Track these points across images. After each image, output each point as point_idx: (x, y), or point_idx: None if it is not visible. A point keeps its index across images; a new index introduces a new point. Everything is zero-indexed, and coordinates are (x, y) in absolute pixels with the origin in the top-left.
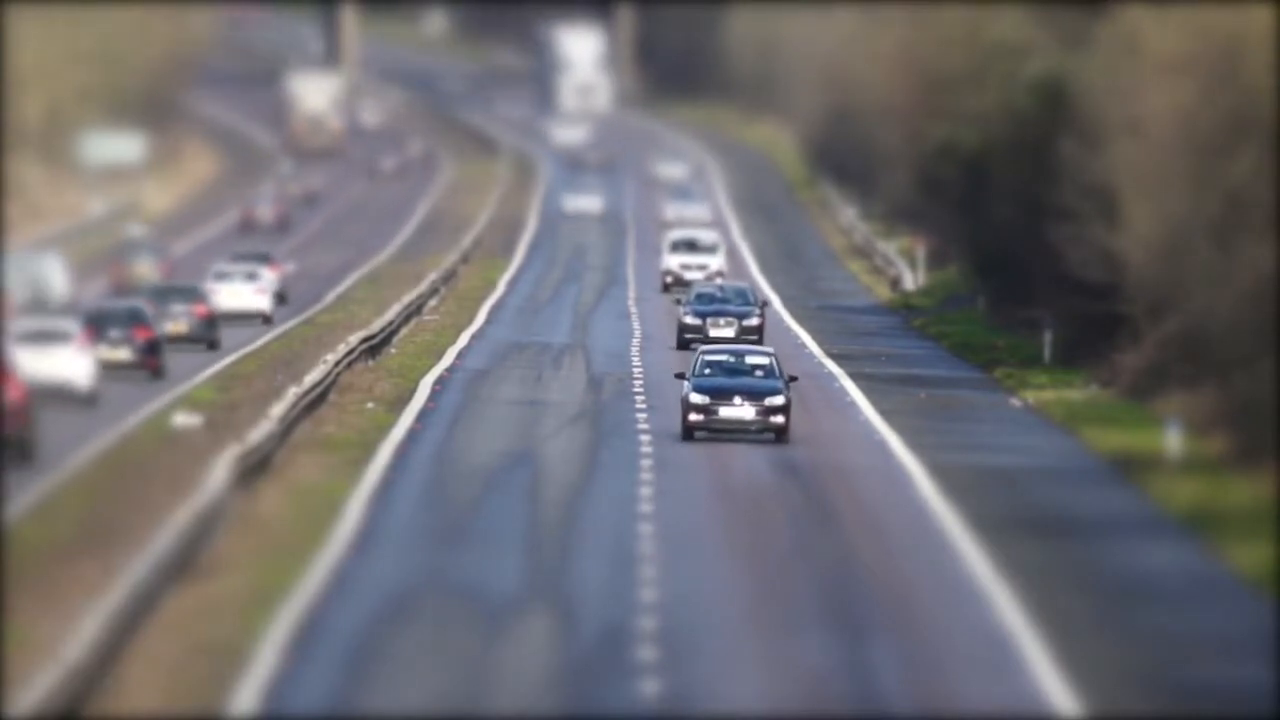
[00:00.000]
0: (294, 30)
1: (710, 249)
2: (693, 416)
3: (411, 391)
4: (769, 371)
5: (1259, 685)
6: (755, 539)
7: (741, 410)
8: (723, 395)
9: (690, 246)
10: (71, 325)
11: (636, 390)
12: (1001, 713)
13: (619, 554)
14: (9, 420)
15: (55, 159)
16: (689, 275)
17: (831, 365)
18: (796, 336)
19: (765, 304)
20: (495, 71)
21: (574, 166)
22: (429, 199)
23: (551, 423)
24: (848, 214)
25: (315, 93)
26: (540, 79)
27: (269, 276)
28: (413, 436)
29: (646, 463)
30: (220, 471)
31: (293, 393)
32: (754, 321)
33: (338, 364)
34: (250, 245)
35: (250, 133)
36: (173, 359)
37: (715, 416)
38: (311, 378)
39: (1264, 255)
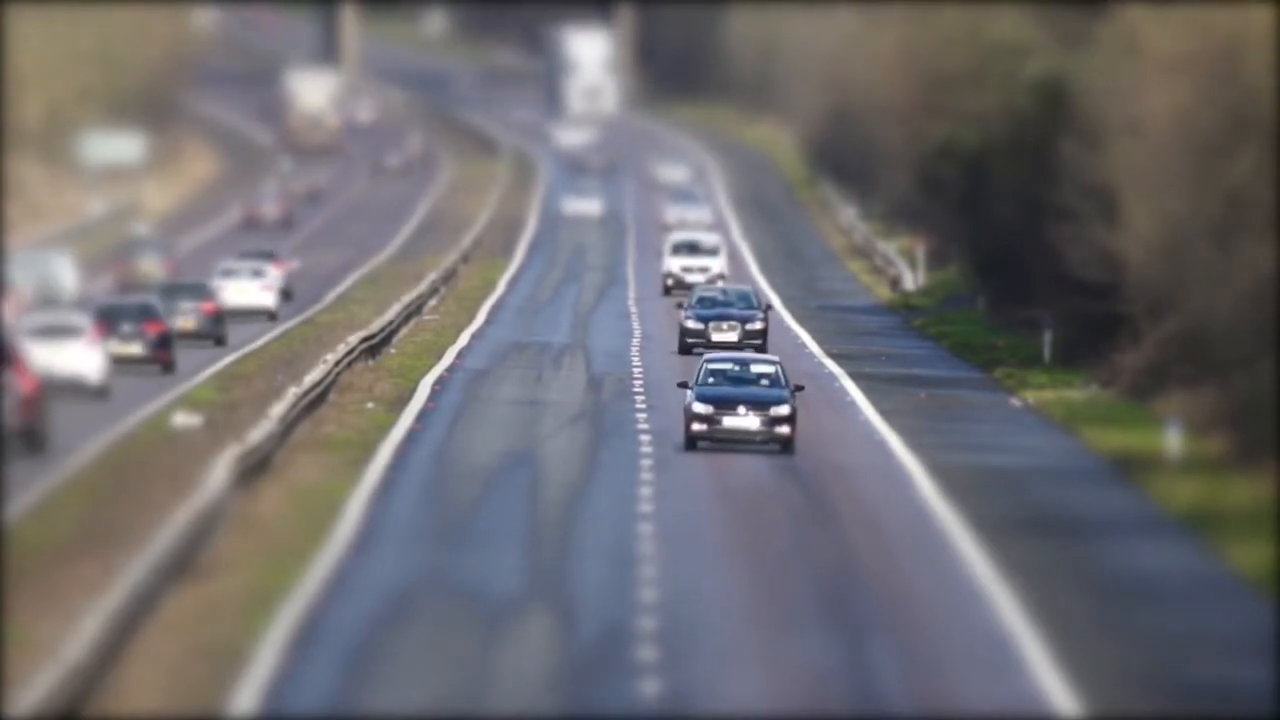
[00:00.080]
0: (302, 31)
1: (712, 251)
2: (695, 426)
3: (411, 391)
4: (774, 380)
5: (1259, 685)
6: (755, 539)
7: (746, 420)
8: (727, 405)
9: (691, 249)
10: (83, 320)
11: (636, 390)
12: (1001, 713)
13: (619, 554)
14: (22, 411)
15: (55, 159)
16: (690, 278)
17: (831, 365)
18: (797, 336)
19: (769, 307)
20: (496, 71)
21: (574, 169)
22: (429, 199)
23: (551, 423)
24: (848, 214)
25: (313, 90)
26: (547, 81)
27: (274, 274)
28: (413, 436)
29: (646, 463)
30: (220, 471)
31: (293, 393)
32: (757, 325)
33: (338, 364)
34: (254, 243)
35: (250, 132)
36: (180, 355)
37: (719, 426)
38: (311, 378)
39: (1264, 255)
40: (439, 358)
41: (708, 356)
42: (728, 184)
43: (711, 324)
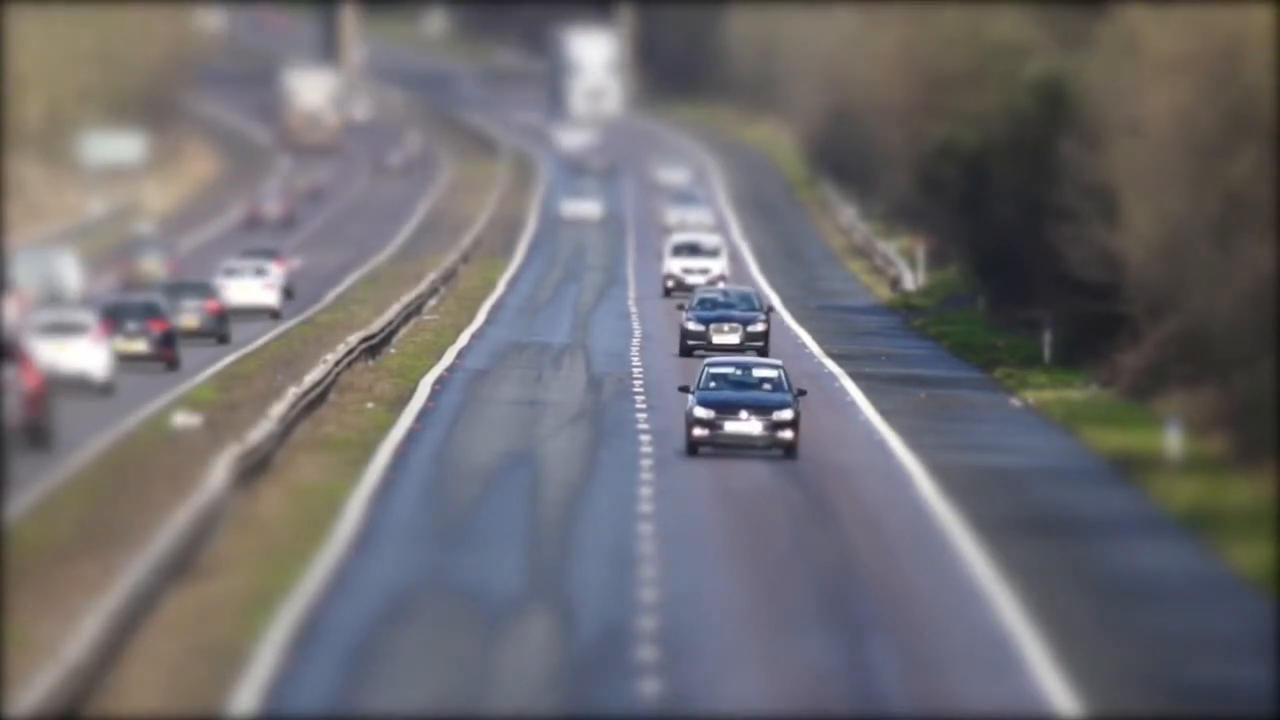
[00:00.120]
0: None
1: (713, 253)
2: (697, 431)
3: (411, 391)
4: (777, 385)
5: (1259, 685)
6: (755, 539)
7: (748, 425)
8: (729, 409)
9: (692, 250)
10: (88, 317)
11: (636, 390)
12: (1001, 713)
13: (619, 554)
14: (27, 406)
15: (55, 159)
16: (691, 280)
17: (831, 365)
18: (797, 336)
19: (770, 309)
20: (496, 71)
21: (574, 171)
22: (429, 199)
23: (551, 423)
24: (848, 214)
25: (312, 89)
26: (550, 82)
27: (277, 272)
28: (412, 436)
29: (646, 463)
30: (220, 471)
31: (293, 393)
32: (759, 327)
33: (338, 364)
34: (256, 241)
35: (250, 133)
36: (184, 352)
37: (721, 432)
38: (311, 378)
39: (1264, 255)
40: (439, 358)
41: (709, 360)
42: (728, 184)
43: (713, 326)
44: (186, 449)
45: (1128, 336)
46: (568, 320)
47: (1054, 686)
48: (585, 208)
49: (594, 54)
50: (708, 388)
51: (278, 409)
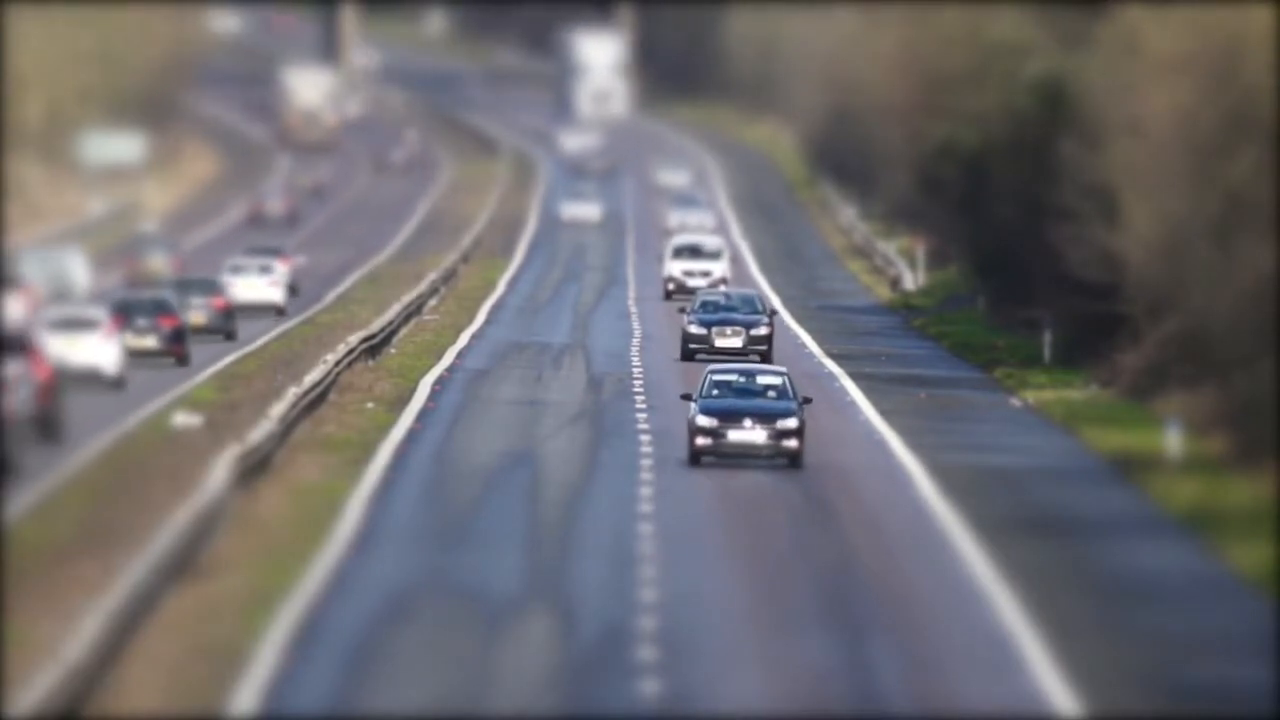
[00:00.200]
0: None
1: (714, 255)
2: (700, 441)
3: (411, 391)
4: (782, 392)
5: (1259, 685)
6: (755, 539)
7: (752, 434)
8: (732, 418)
9: (693, 252)
10: (100, 313)
11: (636, 390)
12: (1001, 713)
13: (619, 554)
14: (38, 399)
15: (55, 159)
16: (692, 282)
17: (831, 365)
18: (797, 336)
19: (773, 312)
20: (497, 71)
21: (574, 173)
22: (429, 198)
23: (551, 423)
24: (848, 214)
25: (309, 87)
26: (558, 85)
27: (282, 270)
28: (413, 436)
29: (646, 463)
30: (220, 471)
31: (293, 393)
32: (762, 331)
33: (338, 364)
34: (259, 239)
35: (250, 133)
36: (191, 349)
37: (724, 440)
38: (311, 378)
39: (1264, 255)
40: (439, 358)
41: (712, 368)
42: (728, 184)
43: (715, 329)
44: (186, 449)
45: (1128, 336)
46: (568, 320)
47: (1054, 686)
48: (585, 210)
49: (600, 56)
50: (710, 395)
51: (278, 409)
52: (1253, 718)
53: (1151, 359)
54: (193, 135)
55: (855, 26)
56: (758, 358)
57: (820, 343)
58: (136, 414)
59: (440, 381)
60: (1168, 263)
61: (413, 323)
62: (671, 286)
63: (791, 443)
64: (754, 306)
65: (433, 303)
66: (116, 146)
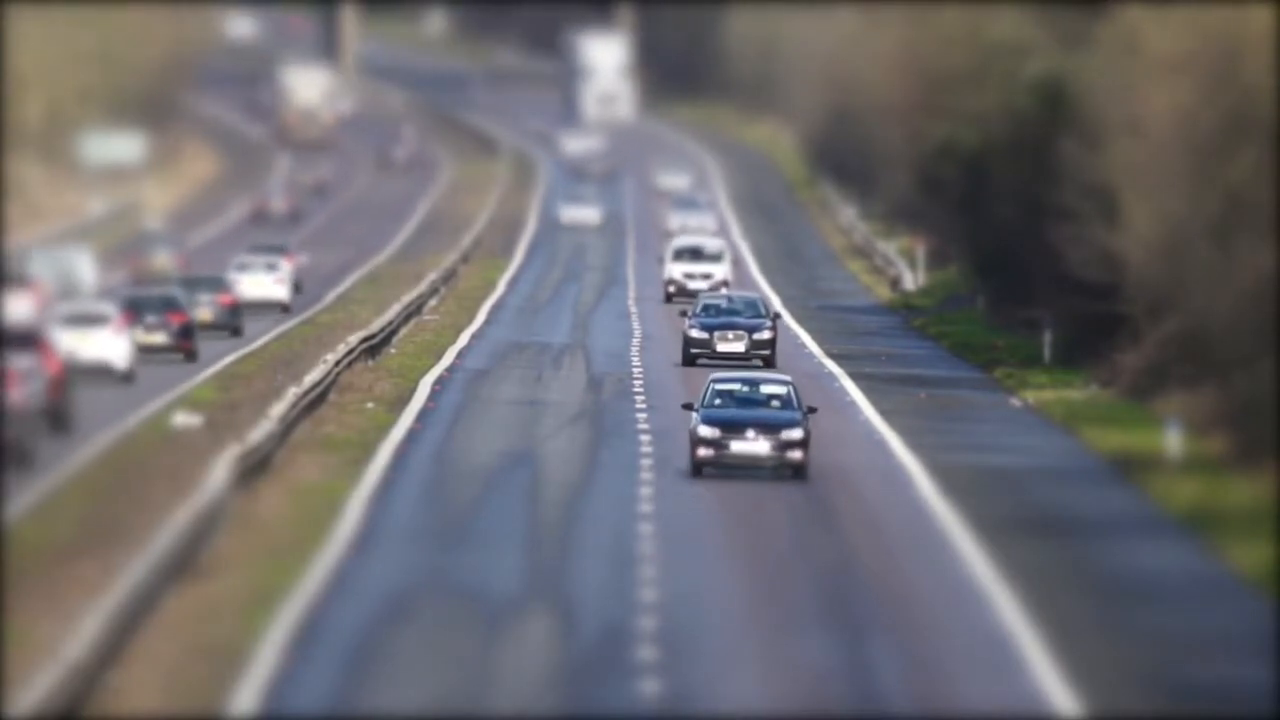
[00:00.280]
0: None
1: (715, 257)
2: (701, 451)
3: (411, 391)
4: (786, 402)
5: (1259, 685)
6: (755, 539)
7: (755, 445)
8: (734, 428)
9: (694, 254)
10: (110, 309)
11: (636, 390)
12: (1001, 713)
13: (619, 554)
14: (48, 392)
15: (55, 159)
16: (693, 285)
17: (831, 365)
18: (796, 336)
19: (777, 316)
20: (497, 71)
21: (574, 175)
22: (429, 198)
23: (551, 423)
24: (848, 214)
25: (307, 85)
26: (564, 87)
27: (287, 267)
28: (413, 436)
29: (646, 462)
30: (220, 471)
31: (293, 393)
32: (765, 335)
33: (338, 364)
34: (262, 236)
35: (249, 132)
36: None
37: (726, 451)
38: (311, 378)
39: (1264, 255)
40: (439, 358)
41: (715, 376)
42: (728, 184)
43: (717, 333)
44: (186, 449)
45: (1128, 336)
46: (568, 320)
47: (1054, 686)
48: (584, 213)
49: (606, 58)
50: (713, 405)
51: (278, 409)
52: (1253, 718)
53: (1151, 359)
54: (193, 135)
55: (855, 26)
56: (760, 362)
57: (820, 343)
58: (143, 410)
59: (440, 381)
60: (1168, 263)
61: (413, 323)
62: (672, 289)
63: (796, 454)
64: (757, 310)
65: (433, 303)
66: (116, 146)
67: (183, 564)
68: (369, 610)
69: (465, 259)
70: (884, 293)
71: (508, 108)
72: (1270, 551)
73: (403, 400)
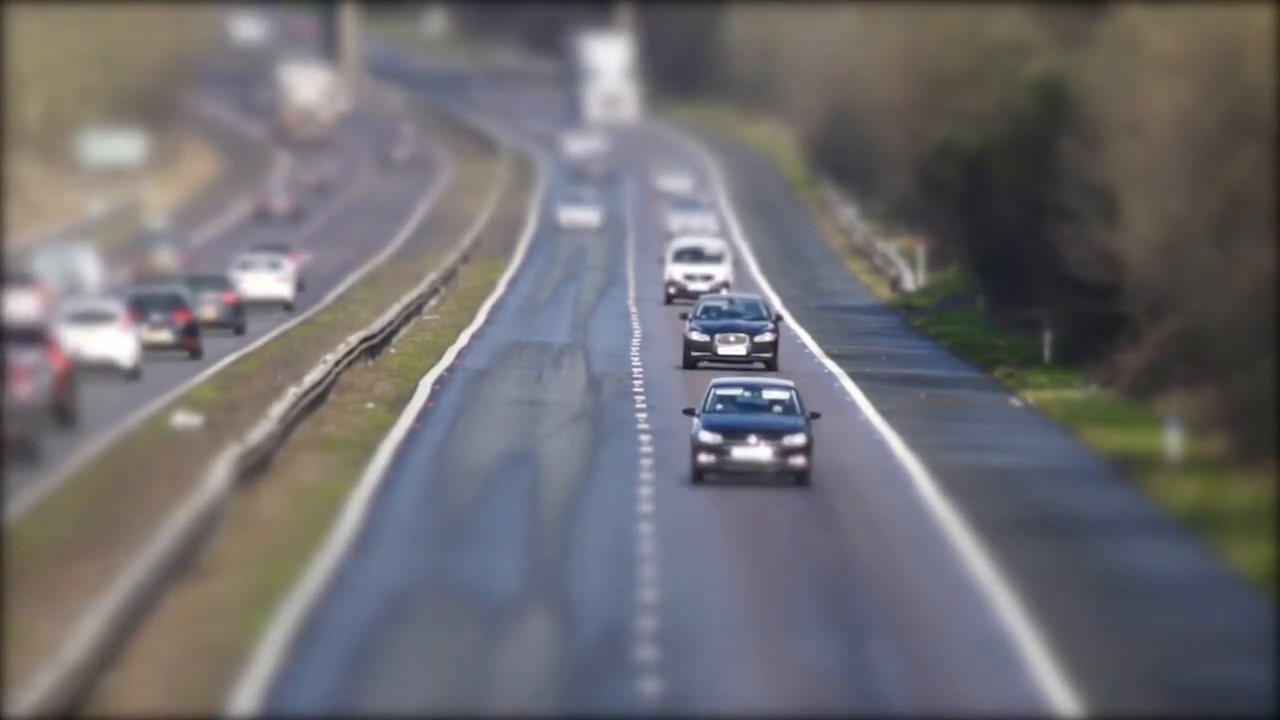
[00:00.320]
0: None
1: (716, 258)
2: (703, 458)
3: (411, 391)
4: (789, 407)
5: (1259, 685)
6: (755, 539)
7: (757, 451)
8: (736, 434)
9: (695, 256)
10: (116, 307)
11: (636, 390)
12: (1001, 713)
13: (619, 554)
14: (54, 388)
15: (55, 159)
16: (693, 286)
17: (831, 365)
18: (796, 336)
19: (779, 318)
20: (498, 71)
21: (574, 177)
22: (429, 198)
23: (551, 423)
24: (847, 214)
25: (306, 84)
26: (568, 89)
27: (289, 266)
28: (413, 436)
29: (646, 462)
30: (220, 471)
31: (293, 393)
32: (767, 337)
33: (338, 364)
34: (266, 235)
35: (248, 131)
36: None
37: (728, 458)
38: (311, 378)
39: (1264, 255)
40: (439, 358)
41: (716, 381)
42: (728, 184)
43: (718, 336)
44: (186, 449)
45: (1128, 336)
46: (568, 320)
47: (1054, 686)
48: (584, 215)
49: (610, 59)
50: (714, 410)
51: (278, 409)
52: (1253, 718)
53: (1151, 359)
54: (193, 135)
55: (855, 26)
56: (763, 365)
57: (820, 343)
58: (149, 406)
59: (440, 381)
60: (1168, 263)
61: (413, 323)
62: (673, 290)
63: (798, 460)
64: (758, 312)
65: (433, 303)
66: (116, 146)
67: (183, 564)
68: (369, 610)
69: (465, 259)
70: (884, 293)
71: (509, 108)
72: (1270, 551)
73: (403, 400)
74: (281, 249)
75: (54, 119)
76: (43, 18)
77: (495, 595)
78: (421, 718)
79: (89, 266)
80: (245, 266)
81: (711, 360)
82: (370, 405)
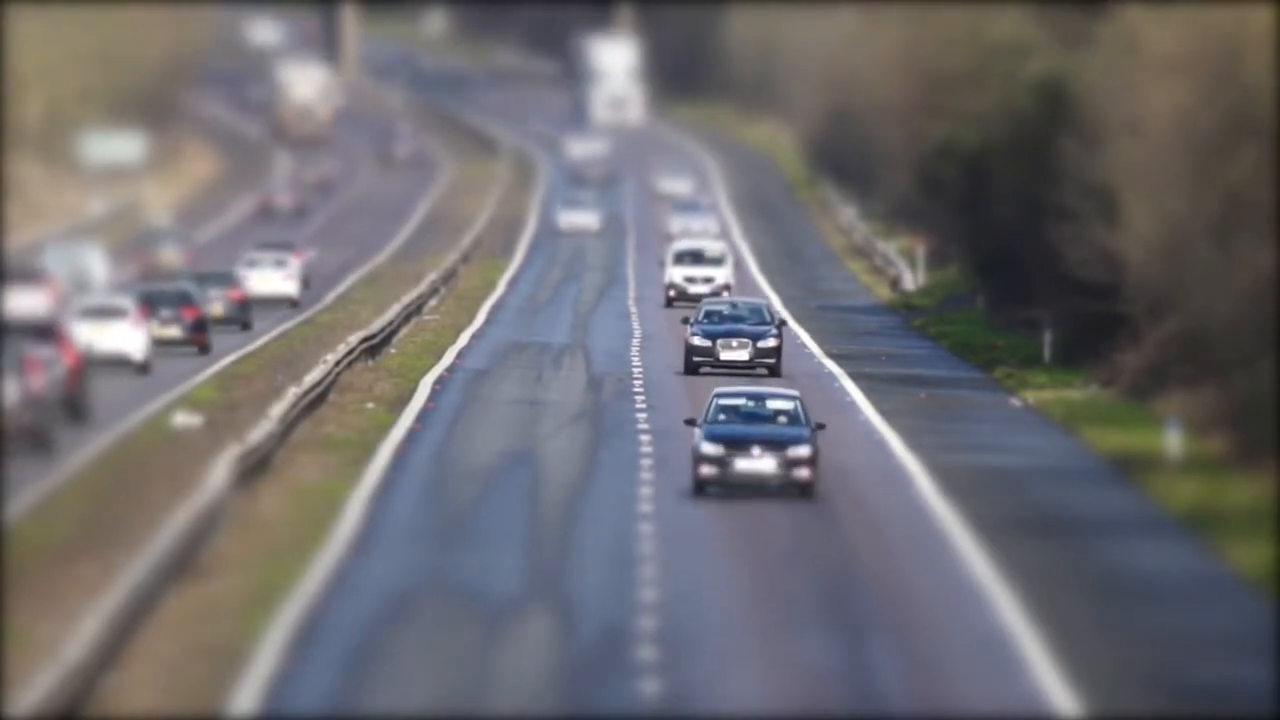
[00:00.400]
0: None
1: (717, 260)
2: (704, 470)
3: (411, 391)
4: (793, 418)
5: (1259, 685)
6: (755, 539)
7: (760, 463)
8: (739, 445)
9: (695, 258)
10: (128, 302)
11: (636, 390)
12: (1001, 713)
13: (619, 554)
14: (66, 382)
15: (55, 159)
16: (694, 289)
17: (831, 365)
18: (797, 336)
19: (782, 323)
20: (498, 71)
21: (573, 180)
22: (429, 198)
23: (551, 423)
24: (848, 214)
25: (304, 82)
26: (574, 91)
27: (295, 263)
28: (413, 436)
29: (646, 462)
30: (220, 471)
31: (293, 393)
32: (771, 343)
33: (338, 364)
34: (270, 232)
35: (246, 130)
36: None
37: (730, 470)
38: (311, 378)
39: (1264, 255)
40: (439, 358)
41: (718, 390)
42: (728, 184)
43: (720, 341)
44: (186, 449)
45: (1128, 336)
46: (568, 320)
47: (1054, 686)
48: (583, 218)
49: (616, 61)
50: (716, 420)
51: (278, 409)
52: (1253, 718)
53: (1151, 359)
54: (193, 135)
55: (855, 26)
56: (766, 371)
57: (820, 343)
58: (159, 400)
59: (440, 381)
60: (1168, 263)
61: (413, 323)
62: (673, 293)
63: (803, 472)
64: (762, 317)
65: (433, 303)
66: (116, 146)
67: (183, 564)
68: (369, 610)
69: (465, 259)
70: (884, 293)
71: (511, 109)
72: (1270, 551)
73: (403, 400)
74: (287, 246)
75: (54, 119)
76: (43, 18)
77: (495, 595)
78: (421, 718)
79: (97, 264)
80: (251, 264)
81: (714, 366)
82: (370, 405)
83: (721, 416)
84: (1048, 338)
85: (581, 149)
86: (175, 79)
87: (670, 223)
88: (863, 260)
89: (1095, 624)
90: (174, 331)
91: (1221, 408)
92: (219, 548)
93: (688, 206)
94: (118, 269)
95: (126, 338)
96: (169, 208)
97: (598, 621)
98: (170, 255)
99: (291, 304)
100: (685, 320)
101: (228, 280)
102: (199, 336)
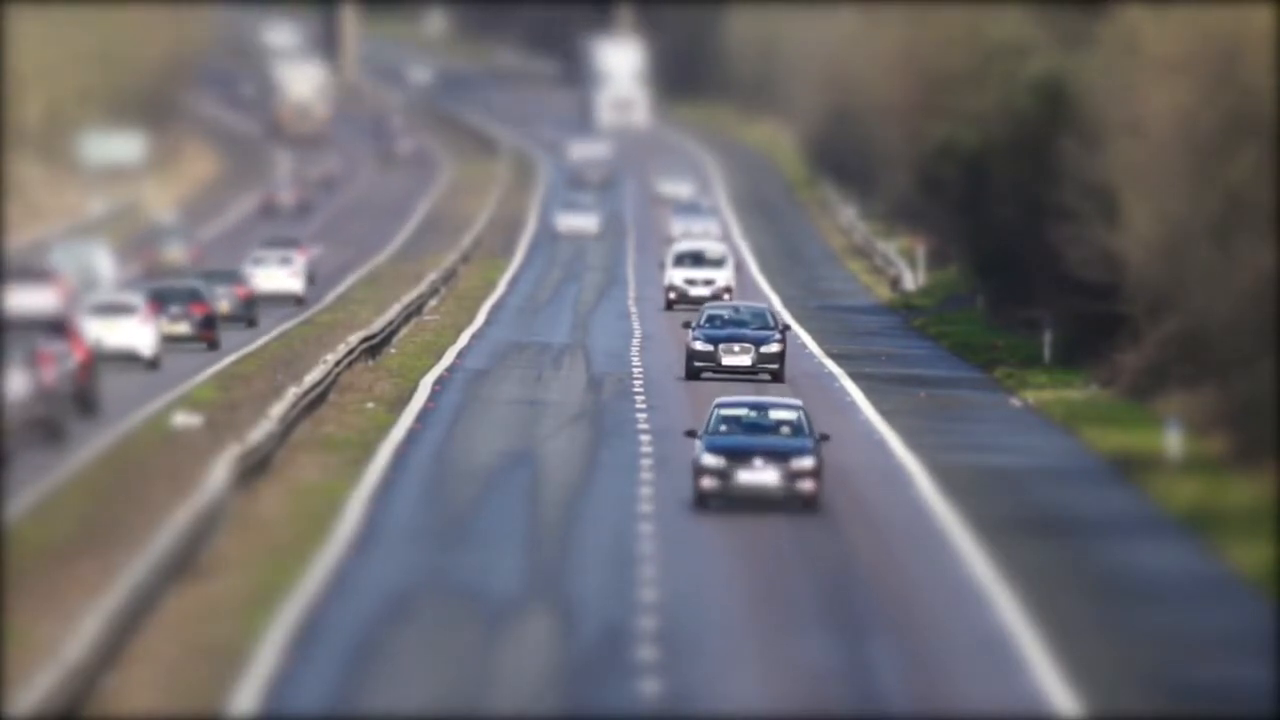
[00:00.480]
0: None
1: (718, 262)
2: (706, 482)
3: (411, 391)
4: (797, 428)
5: (1259, 685)
6: (755, 539)
7: (763, 475)
8: (741, 457)
9: (696, 260)
10: (138, 299)
11: (636, 390)
12: (1001, 713)
13: (619, 554)
14: (76, 377)
15: (55, 159)
16: (695, 291)
17: (831, 365)
18: (797, 337)
19: (786, 328)
20: (498, 71)
21: (573, 182)
22: (429, 198)
23: (551, 423)
24: (847, 214)
25: (302, 81)
26: (580, 94)
27: (300, 260)
28: (413, 436)
29: (646, 462)
30: (220, 471)
31: (293, 393)
32: (774, 348)
33: (338, 364)
34: (272, 229)
35: (245, 130)
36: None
37: (732, 482)
38: (311, 378)
39: (1264, 255)
40: (439, 357)
41: (720, 401)
42: (728, 184)
43: (722, 346)
44: (186, 449)
45: (1128, 336)
46: (568, 320)
47: (1054, 686)
48: (582, 221)
49: (621, 64)
50: (717, 431)
51: (278, 409)
52: (1253, 718)
53: (1151, 359)
54: (193, 135)
55: (855, 26)
56: (769, 377)
57: (820, 343)
58: (169, 394)
59: (440, 381)
60: (1168, 263)
61: (413, 323)
62: (673, 296)
63: (807, 484)
64: (765, 321)
65: (433, 303)
66: (116, 146)
67: (183, 564)
68: (369, 610)
69: (465, 259)
70: (884, 293)
71: (512, 110)
72: (1270, 551)
73: (403, 400)
74: (292, 243)
75: (54, 119)
76: (43, 18)
77: (495, 595)
78: (421, 718)
79: (104, 262)
80: (257, 262)
81: (715, 371)
82: (370, 405)
83: (723, 427)
84: (1048, 338)
85: (581, 151)
86: (175, 79)
87: (671, 226)
88: (863, 260)
89: (1095, 624)
90: (183, 328)
91: (1221, 408)
92: (219, 548)
93: (689, 209)
94: (123, 267)
95: (136, 334)
96: (174, 206)
97: (598, 621)
98: (175, 253)
99: (297, 301)
100: (687, 324)
101: (234, 278)
102: (208, 333)
